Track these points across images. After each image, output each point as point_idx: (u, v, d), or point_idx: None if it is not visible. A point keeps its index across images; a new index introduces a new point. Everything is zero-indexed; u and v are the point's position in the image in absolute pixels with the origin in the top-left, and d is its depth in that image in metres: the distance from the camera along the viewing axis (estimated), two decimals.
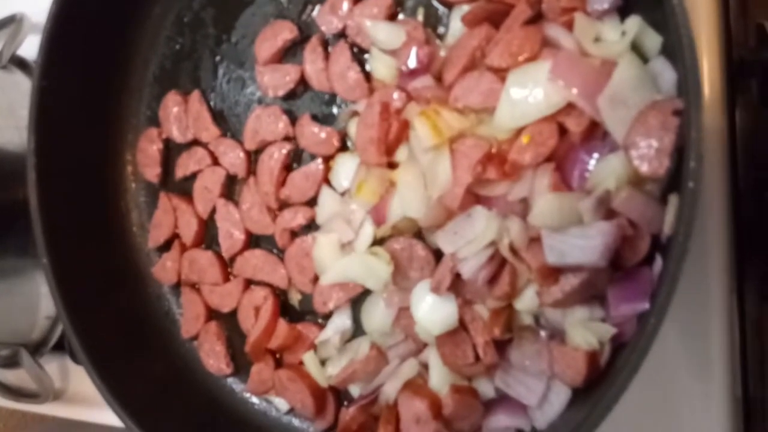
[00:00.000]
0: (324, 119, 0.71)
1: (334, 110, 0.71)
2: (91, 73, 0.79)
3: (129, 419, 0.66)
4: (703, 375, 0.61)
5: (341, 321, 0.68)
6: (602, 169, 0.50)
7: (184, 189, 0.78)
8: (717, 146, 0.62)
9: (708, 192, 0.61)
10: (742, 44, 0.66)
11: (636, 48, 0.52)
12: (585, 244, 0.49)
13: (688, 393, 0.61)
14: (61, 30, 0.73)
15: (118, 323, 0.77)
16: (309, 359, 0.68)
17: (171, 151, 0.80)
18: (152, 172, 0.80)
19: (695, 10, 0.62)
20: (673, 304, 0.44)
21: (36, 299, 0.89)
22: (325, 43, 0.71)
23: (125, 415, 0.67)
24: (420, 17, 0.67)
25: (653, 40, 0.52)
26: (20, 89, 0.90)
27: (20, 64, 0.94)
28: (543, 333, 0.55)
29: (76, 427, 0.92)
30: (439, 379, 0.60)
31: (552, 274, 0.52)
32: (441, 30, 0.66)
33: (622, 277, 0.51)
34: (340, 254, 0.65)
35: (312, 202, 0.70)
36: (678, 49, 0.44)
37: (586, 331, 0.52)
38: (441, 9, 0.66)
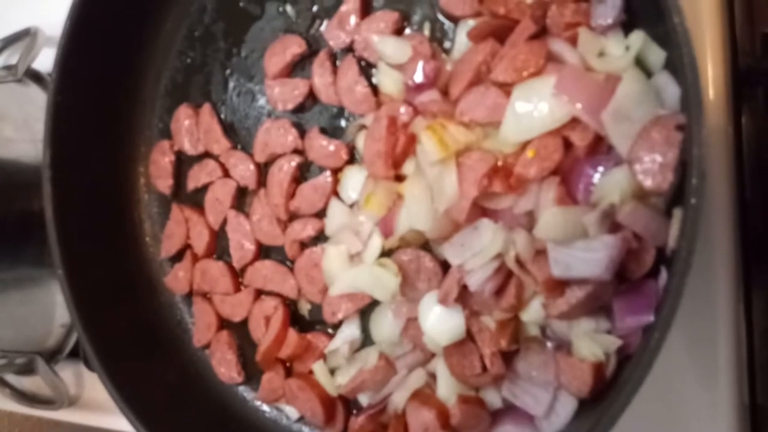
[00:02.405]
0: (332, 132, 0.72)
1: (343, 123, 0.72)
2: (104, 87, 0.80)
3: (141, 426, 0.68)
4: (710, 383, 0.61)
5: (350, 331, 0.68)
6: (607, 183, 0.50)
7: (196, 200, 0.79)
8: (723, 155, 0.62)
9: (714, 201, 0.61)
10: (748, 53, 0.66)
11: (640, 63, 0.52)
12: (590, 257, 0.49)
13: (695, 401, 0.61)
14: (75, 46, 0.75)
15: (131, 332, 0.78)
16: (319, 368, 0.69)
17: (183, 163, 0.81)
18: (164, 184, 0.81)
19: (701, 19, 0.62)
20: (680, 313, 0.44)
21: (51, 308, 0.91)
22: (333, 58, 0.72)
23: (137, 421, 0.68)
24: (426, 32, 0.67)
25: (657, 55, 0.52)
26: (35, 102, 0.91)
27: (35, 77, 0.95)
28: (549, 344, 0.56)
29: None
30: (447, 389, 0.60)
31: (558, 286, 0.52)
32: (447, 44, 0.66)
33: (628, 290, 0.52)
34: (348, 265, 0.66)
35: (321, 214, 0.71)
36: (679, 67, 0.45)
37: (592, 342, 0.53)
38: (447, 24, 0.67)
